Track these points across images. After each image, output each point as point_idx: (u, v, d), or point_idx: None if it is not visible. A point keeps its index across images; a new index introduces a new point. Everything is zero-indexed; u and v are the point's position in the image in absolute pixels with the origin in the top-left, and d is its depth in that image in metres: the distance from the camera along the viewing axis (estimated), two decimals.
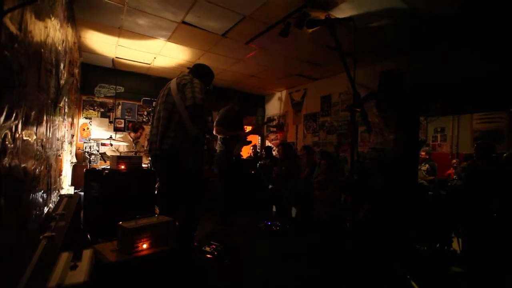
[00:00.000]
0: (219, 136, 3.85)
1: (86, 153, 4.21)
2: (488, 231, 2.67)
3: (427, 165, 5.00)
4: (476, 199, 2.88)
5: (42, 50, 1.52)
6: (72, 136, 4.06)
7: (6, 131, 0.96)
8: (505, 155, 2.87)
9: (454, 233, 3.12)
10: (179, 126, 2.20)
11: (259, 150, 7.05)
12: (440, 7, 2.78)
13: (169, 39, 3.91)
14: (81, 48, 4.33)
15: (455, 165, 5.12)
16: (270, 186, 4.66)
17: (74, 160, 4.32)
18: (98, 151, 5.13)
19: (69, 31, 2.88)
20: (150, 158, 2.70)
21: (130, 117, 5.61)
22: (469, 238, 2.90)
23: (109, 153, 4.43)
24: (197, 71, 2.51)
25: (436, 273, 2.65)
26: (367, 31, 3.36)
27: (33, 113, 1.35)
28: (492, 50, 3.25)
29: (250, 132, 4.23)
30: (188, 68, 2.70)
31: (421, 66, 3.90)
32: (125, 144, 4.59)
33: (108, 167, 3.32)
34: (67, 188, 3.38)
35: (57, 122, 2.27)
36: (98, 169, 3.29)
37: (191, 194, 2.31)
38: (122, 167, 3.10)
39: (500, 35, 3.14)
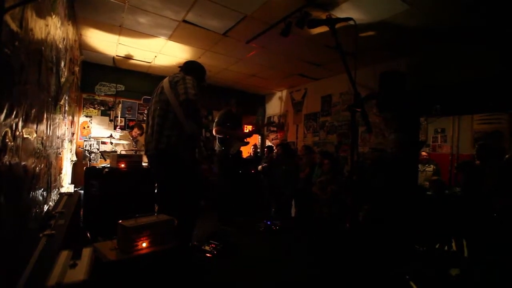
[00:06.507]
0: (217, 136, 3.92)
1: (86, 151, 4.22)
2: (489, 232, 2.67)
3: (432, 166, 4.91)
4: (476, 200, 2.88)
5: (43, 48, 1.52)
6: (73, 134, 4.05)
7: (6, 129, 0.95)
8: (507, 156, 2.87)
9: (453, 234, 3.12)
10: (174, 124, 2.20)
11: (259, 150, 7.05)
12: (441, 8, 2.78)
13: (170, 37, 3.90)
14: (82, 46, 4.32)
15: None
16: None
17: (74, 158, 4.32)
18: (98, 149, 5.13)
19: (70, 29, 2.88)
20: (147, 158, 2.71)
21: (130, 116, 5.61)
22: (469, 239, 2.90)
23: (112, 145, 4.46)
24: (188, 68, 2.52)
25: (435, 274, 2.65)
26: (368, 31, 3.35)
27: (33, 111, 1.35)
28: (494, 51, 3.24)
29: (248, 134, 4.28)
30: (179, 66, 2.70)
31: (421, 67, 3.90)
32: (126, 142, 4.59)
33: (108, 165, 3.33)
34: (67, 186, 3.38)
35: (57, 120, 2.27)
36: (98, 168, 3.29)
37: (189, 192, 2.31)
38: (122, 165, 3.11)
39: (502, 35, 3.14)
